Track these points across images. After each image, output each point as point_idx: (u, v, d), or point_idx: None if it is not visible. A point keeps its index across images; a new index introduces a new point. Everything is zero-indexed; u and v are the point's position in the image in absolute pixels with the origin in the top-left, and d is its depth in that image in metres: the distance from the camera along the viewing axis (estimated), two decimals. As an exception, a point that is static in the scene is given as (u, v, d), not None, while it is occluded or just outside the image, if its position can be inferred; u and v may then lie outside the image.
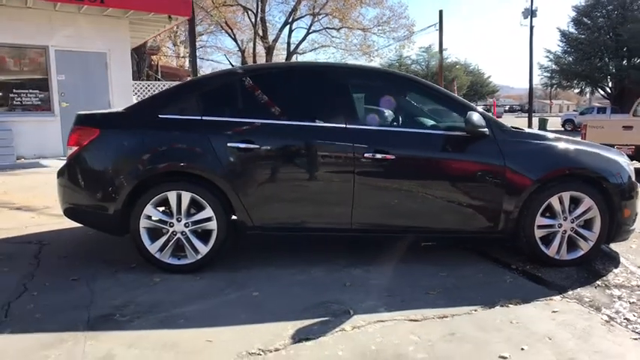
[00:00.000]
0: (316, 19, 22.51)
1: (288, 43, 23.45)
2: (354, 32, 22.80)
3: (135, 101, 6.29)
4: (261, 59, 24.57)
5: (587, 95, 37.33)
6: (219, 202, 3.28)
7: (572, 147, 3.60)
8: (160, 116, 3.34)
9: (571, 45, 33.62)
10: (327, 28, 22.80)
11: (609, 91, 33.43)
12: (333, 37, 23.17)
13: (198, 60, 17.87)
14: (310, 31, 23.04)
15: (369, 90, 3.84)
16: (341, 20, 22.76)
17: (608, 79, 32.90)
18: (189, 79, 4.04)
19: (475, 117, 3.32)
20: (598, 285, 3.23)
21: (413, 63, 44.83)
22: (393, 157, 3.34)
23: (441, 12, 20.77)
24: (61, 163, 3.51)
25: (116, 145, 3.32)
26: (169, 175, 3.29)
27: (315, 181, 3.39)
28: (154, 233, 3.30)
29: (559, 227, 3.49)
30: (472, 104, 3.64)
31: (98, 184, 3.30)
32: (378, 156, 3.33)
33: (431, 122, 3.69)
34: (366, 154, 3.34)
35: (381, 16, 22.10)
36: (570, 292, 3.08)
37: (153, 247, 3.29)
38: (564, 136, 3.81)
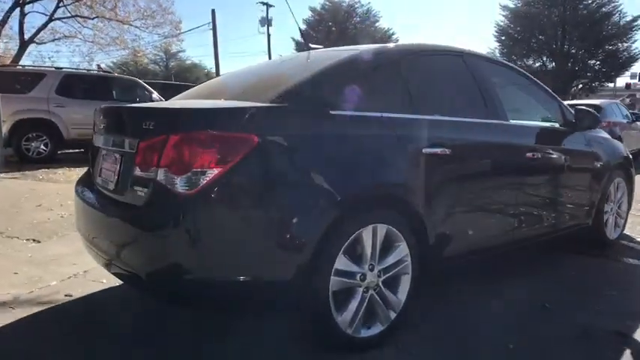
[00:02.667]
0: (62, 3, 18.50)
1: (21, 31, 18.59)
2: (111, 24, 19.74)
3: None
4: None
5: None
6: (413, 233, 2.28)
7: None
8: (331, 112, 2.09)
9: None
10: (77, 16, 18.98)
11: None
12: (84, 27, 19.50)
13: None
14: (53, 17, 18.81)
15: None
16: (90, 7, 19.42)
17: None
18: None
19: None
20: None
21: (151, 62, 42.11)
22: (540, 154, 2.99)
23: (213, 11, 20.10)
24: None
25: (287, 161, 1.92)
26: (362, 202, 2.10)
27: (509, 187, 2.84)
28: (337, 297, 2.06)
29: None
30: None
31: (268, 230, 1.84)
32: (532, 154, 2.93)
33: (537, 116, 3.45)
34: (527, 154, 2.89)
35: (146, 9, 19.82)
36: None
37: (343, 320, 2.05)
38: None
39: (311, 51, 2.76)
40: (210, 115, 1.87)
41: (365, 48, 2.44)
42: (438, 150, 2.37)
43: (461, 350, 2.20)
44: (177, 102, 2.50)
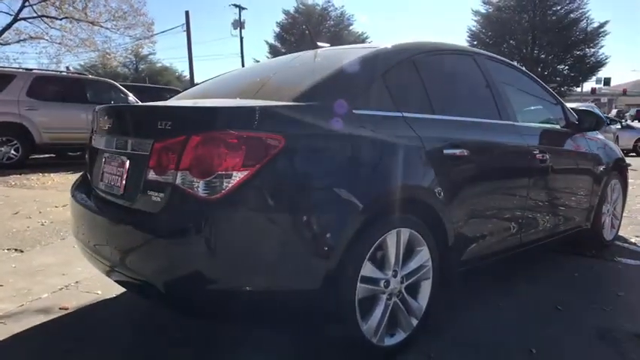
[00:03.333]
0: (28, 2, 17.79)
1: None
2: (80, 25, 19.10)
3: None
4: None
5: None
6: (434, 237, 2.22)
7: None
8: (354, 112, 1.99)
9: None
10: (44, 16, 18.28)
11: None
12: (51, 27, 18.81)
13: None
14: (19, 17, 18.08)
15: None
16: (59, 7, 18.80)
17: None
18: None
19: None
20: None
21: (120, 65, 41.14)
22: (548, 156, 2.97)
23: (187, 12, 19.71)
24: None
25: (314, 164, 1.81)
26: (388, 205, 2.01)
27: (522, 189, 2.81)
28: (362, 305, 1.96)
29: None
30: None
31: (297, 237, 1.72)
32: (542, 156, 2.91)
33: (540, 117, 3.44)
34: (537, 155, 2.87)
35: (117, 10, 19.24)
36: None
37: (368, 329, 1.96)
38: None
39: (322, 49, 2.66)
40: (235, 114, 1.75)
41: (383, 45, 2.36)
42: (457, 151, 2.31)
43: (484, 357, 2.14)
44: (185, 101, 2.36)
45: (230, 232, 1.63)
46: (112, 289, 2.81)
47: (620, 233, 4.24)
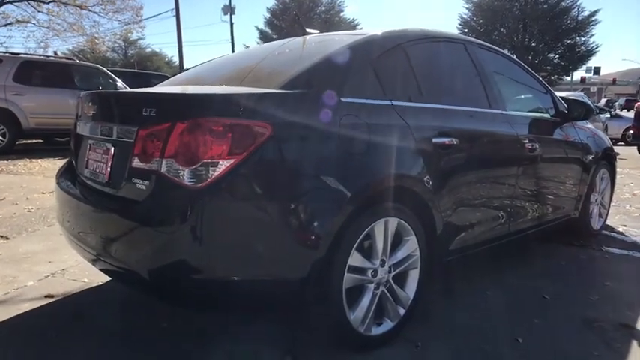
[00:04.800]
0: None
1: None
2: (68, 9, 18.73)
3: None
4: None
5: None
6: (422, 226, 2.21)
7: None
8: (343, 99, 1.97)
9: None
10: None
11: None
12: (38, 11, 18.43)
13: None
14: (5, 1, 17.67)
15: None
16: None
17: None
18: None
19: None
20: None
21: (109, 50, 40.54)
22: (537, 145, 2.97)
23: (176, -4, 19.39)
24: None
25: (302, 152, 1.78)
26: (376, 194, 1.99)
27: (511, 178, 2.81)
28: (349, 295, 1.96)
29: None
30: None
31: (284, 226, 1.70)
32: (531, 145, 2.91)
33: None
34: (527, 144, 2.87)
35: (107, -6, 18.88)
36: None
37: (355, 318, 1.96)
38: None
39: (311, 36, 2.62)
40: (221, 101, 1.71)
41: (372, 32, 2.32)
42: (447, 140, 2.30)
43: (472, 345, 2.15)
44: (171, 88, 2.31)
45: (216, 221, 1.61)
46: (98, 276, 2.79)
47: (608, 222, 4.28)
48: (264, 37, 36.43)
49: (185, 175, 1.61)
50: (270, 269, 1.74)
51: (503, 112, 2.80)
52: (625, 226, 4.34)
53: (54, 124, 8.93)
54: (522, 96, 3.38)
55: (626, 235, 4.07)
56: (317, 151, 1.81)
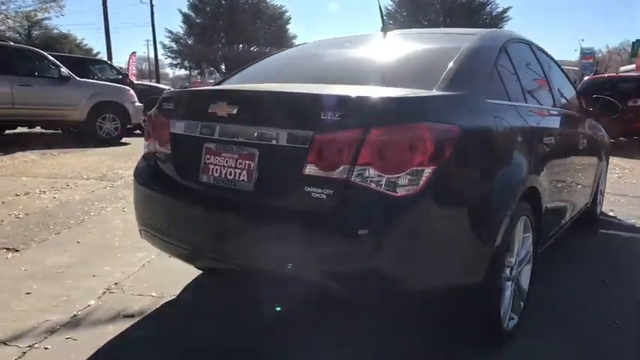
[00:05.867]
0: None
1: None
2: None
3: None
4: None
5: (207, 76, 40.36)
6: (536, 222, 2.28)
7: None
8: (488, 100, 1.95)
9: (192, 28, 35.62)
10: None
11: (224, 72, 37.41)
12: None
13: None
14: None
15: None
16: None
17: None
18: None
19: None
20: None
21: (9, 29, 36.61)
22: (585, 140, 3.18)
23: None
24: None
25: (480, 154, 1.77)
26: (523, 194, 2.01)
27: (576, 170, 3.03)
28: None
29: None
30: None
31: (476, 231, 1.69)
32: (582, 140, 3.11)
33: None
34: (580, 139, 3.08)
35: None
36: None
37: (504, 314, 2.00)
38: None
39: (403, 31, 2.58)
40: (415, 105, 1.64)
41: (474, 31, 2.37)
42: (548, 139, 2.39)
43: (584, 332, 2.27)
44: (321, 87, 2.05)
45: (427, 230, 1.56)
46: (163, 288, 2.58)
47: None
48: (188, 22, 35.01)
49: (388, 184, 1.52)
50: (463, 275, 1.72)
51: (567, 110, 2.96)
52: (612, 210, 4.76)
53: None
54: (565, 92, 3.58)
55: (618, 219, 4.47)
56: (489, 153, 1.84)
